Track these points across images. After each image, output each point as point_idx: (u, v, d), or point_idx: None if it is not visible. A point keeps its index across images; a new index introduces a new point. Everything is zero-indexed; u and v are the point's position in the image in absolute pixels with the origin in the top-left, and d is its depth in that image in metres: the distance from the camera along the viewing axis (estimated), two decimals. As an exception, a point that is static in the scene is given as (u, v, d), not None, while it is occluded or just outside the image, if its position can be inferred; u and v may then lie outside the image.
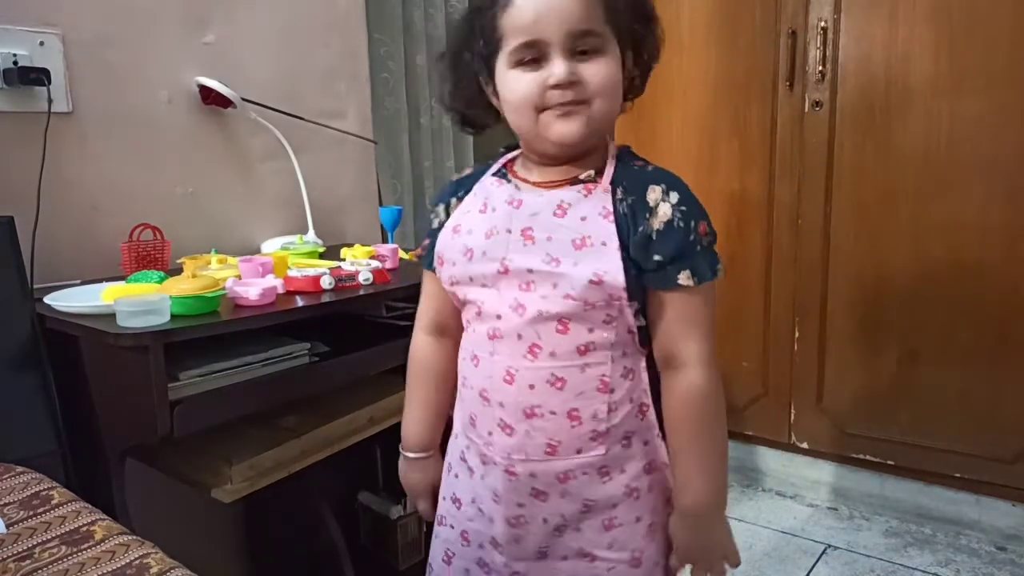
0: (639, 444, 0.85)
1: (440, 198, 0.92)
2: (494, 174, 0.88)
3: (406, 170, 2.07)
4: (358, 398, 1.44)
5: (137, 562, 0.79)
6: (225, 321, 1.03)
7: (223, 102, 1.51)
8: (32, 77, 1.24)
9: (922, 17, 1.73)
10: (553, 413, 0.82)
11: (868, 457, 1.96)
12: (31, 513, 0.89)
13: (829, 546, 1.86)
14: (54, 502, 0.91)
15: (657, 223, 0.79)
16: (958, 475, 1.84)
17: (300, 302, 1.13)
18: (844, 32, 1.83)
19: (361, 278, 1.23)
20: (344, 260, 1.35)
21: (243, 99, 1.52)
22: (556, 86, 0.76)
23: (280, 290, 1.16)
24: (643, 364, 0.85)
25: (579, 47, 0.77)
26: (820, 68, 1.86)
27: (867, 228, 1.87)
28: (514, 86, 0.79)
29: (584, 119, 0.78)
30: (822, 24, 1.85)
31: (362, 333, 1.32)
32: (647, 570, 0.88)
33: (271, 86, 1.63)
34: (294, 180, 1.62)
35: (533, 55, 0.77)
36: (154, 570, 0.77)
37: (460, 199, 0.89)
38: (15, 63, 1.24)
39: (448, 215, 0.90)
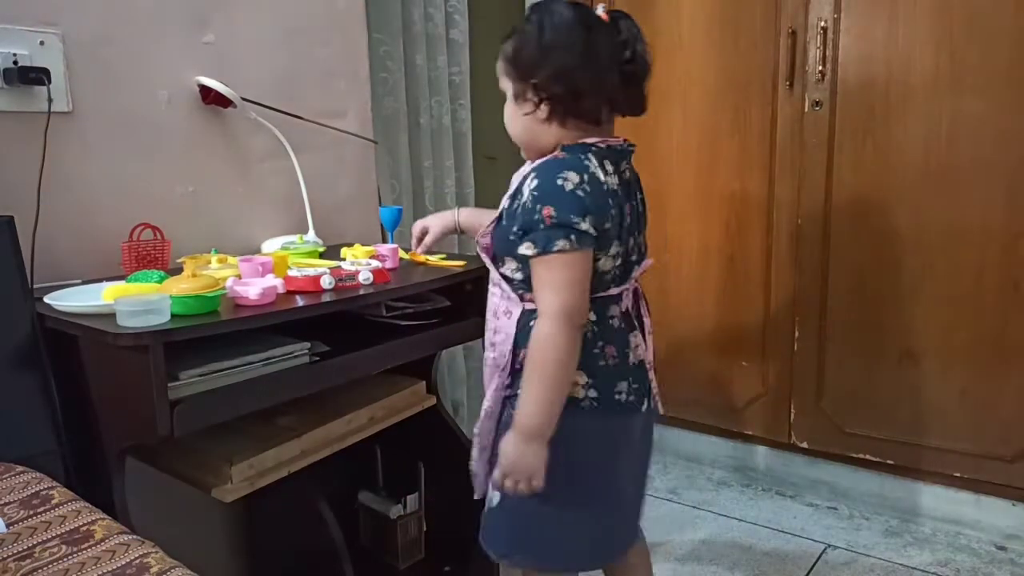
0: (505, 369, 1.12)
1: None
2: None
3: (404, 170, 2.07)
4: (358, 398, 1.44)
5: (137, 562, 0.79)
6: (225, 321, 1.03)
7: (223, 102, 1.51)
8: (32, 77, 1.24)
9: (922, 17, 1.73)
10: (486, 316, 1.18)
11: (868, 456, 1.96)
12: (31, 512, 0.89)
13: (829, 546, 1.86)
14: (54, 501, 0.91)
15: (518, 203, 1.05)
16: (958, 474, 1.84)
17: (300, 302, 1.13)
18: (844, 32, 1.83)
19: (361, 278, 1.23)
20: (344, 260, 1.35)
21: (243, 99, 1.52)
22: None
23: (280, 290, 1.15)
24: (520, 311, 1.10)
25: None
26: (820, 68, 1.86)
27: (867, 228, 1.87)
28: None
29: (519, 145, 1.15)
30: (822, 24, 1.85)
31: (362, 333, 1.32)
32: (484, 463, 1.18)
33: (271, 86, 1.63)
34: (294, 180, 1.62)
35: None
36: (154, 570, 0.77)
37: None
38: (15, 62, 1.24)
39: None
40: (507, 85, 1.11)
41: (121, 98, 1.40)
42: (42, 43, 1.27)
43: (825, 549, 1.85)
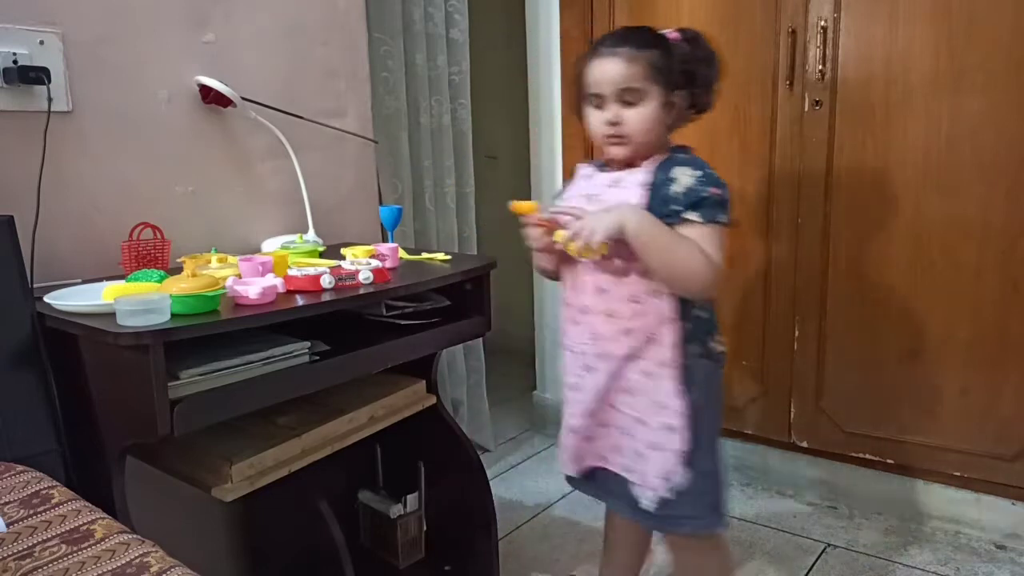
0: (659, 344, 1.20)
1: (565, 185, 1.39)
2: (599, 166, 1.31)
3: (405, 169, 2.07)
4: (358, 397, 1.44)
5: (137, 561, 0.79)
6: (225, 320, 1.03)
7: (223, 101, 1.51)
8: (32, 76, 1.24)
9: (922, 16, 1.73)
10: (614, 309, 1.22)
11: (868, 456, 1.96)
12: (31, 512, 0.89)
13: (829, 545, 1.86)
14: (54, 501, 0.91)
15: (680, 187, 1.16)
16: (958, 473, 1.84)
17: (300, 301, 1.13)
18: (844, 31, 1.83)
19: (361, 277, 1.23)
20: (344, 259, 1.35)
21: (243, 98, 1.52)
22: (607, 123, 1.19)
23: (280, 289, 1.15)
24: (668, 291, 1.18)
25: (624, 98, 1.18)
26: (820, 67, 1.86)
27: (867, 228, 1.87)
28: (589, 119, 1.23)
29: (626, 146, 1.20)
30: (822, 23, 1.85)
31: (362, 332, 1.32)
32: (652, 428, 1.23)
33: (271, 85, 1.63)
34: (294, 179, 1.62)
35: (598, 101, 1.20)
36: (154, 569, 0.77)
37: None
38: (15, 62, 1.24)
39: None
40: (651, 90, 1.18)
41: (121, 98, 1.40)
42: (42, 43, 1.27)
43: (825, 549, 1.85)
